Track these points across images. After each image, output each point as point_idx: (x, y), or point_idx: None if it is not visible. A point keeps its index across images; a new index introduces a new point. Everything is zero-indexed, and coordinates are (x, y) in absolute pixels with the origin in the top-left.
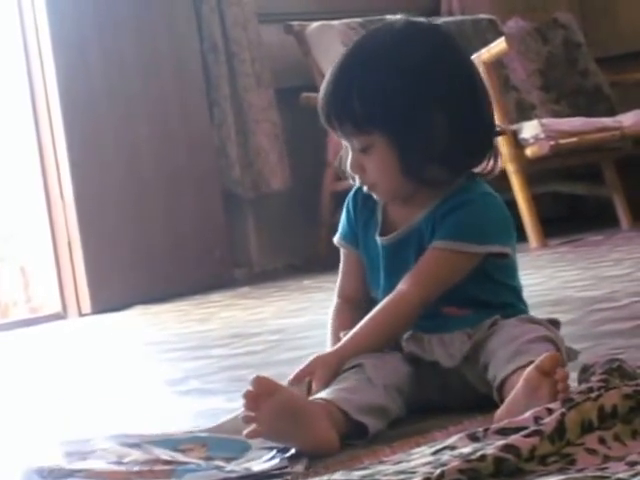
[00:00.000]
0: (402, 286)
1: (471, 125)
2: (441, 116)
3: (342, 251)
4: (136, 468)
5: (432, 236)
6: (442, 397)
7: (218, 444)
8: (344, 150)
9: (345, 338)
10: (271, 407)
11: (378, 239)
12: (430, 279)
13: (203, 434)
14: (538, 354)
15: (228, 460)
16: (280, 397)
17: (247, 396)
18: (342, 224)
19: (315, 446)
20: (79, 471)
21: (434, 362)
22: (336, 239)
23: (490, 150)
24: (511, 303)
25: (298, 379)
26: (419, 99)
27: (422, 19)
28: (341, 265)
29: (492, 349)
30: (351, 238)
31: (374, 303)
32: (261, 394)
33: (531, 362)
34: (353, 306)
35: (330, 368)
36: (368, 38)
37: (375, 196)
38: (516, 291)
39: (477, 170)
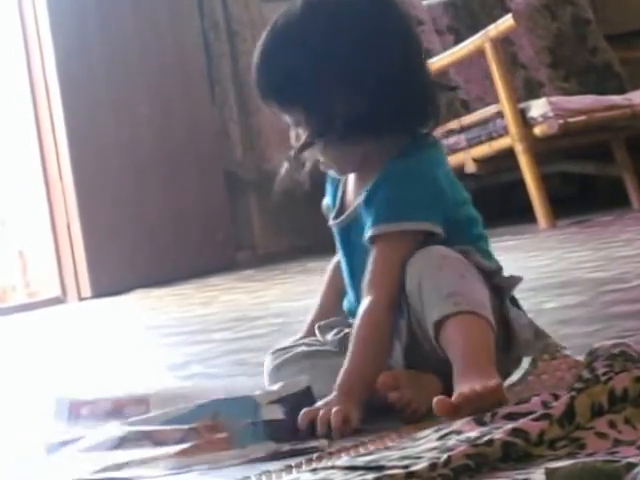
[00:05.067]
0: (366, 296)
1: (394, 91)
2: (343, 89)
3: None
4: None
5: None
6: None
7: (227, 409)
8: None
9: (344, 379)
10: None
11: (331, 222)
12: (383, 277)
13: (203, 401)
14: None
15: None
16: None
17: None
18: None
19: None
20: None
21: None
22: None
23: (428, 109)
24: None
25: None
26: (320, 74)
27: None
28: None
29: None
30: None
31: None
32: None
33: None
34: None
35: (348, 418)
36: (279, 16)
37: (329, 170)
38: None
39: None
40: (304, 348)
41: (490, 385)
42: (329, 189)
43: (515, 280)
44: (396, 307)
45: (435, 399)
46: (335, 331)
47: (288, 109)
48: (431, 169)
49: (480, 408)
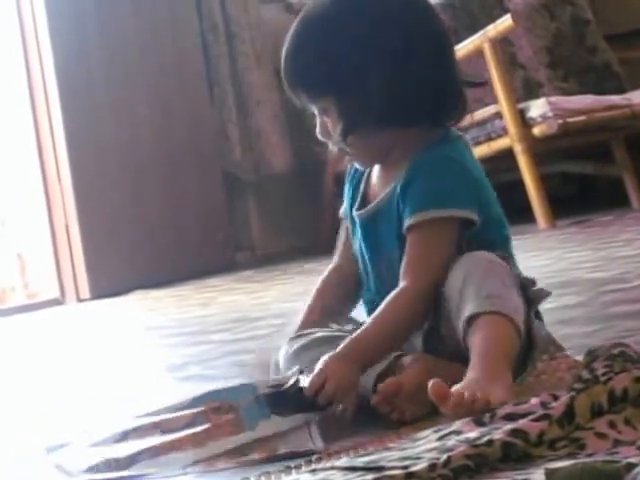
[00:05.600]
0: (401, 282)
1: (420, 83)
2: (377, 78)
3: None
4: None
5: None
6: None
7: (225, 397)
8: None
9: (354, 341)
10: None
11: (354, 213)
12: (421, 264)
13: (201, 393)
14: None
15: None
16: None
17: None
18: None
19: None
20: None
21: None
22: (340, 212)
23: (458, 102)
24: None
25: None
26: (354, 63)
27: None
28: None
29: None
30: (347, 211)
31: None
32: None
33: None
34: (341, 276)
35: (353, 385)
36: (310, 4)
37: (354, 161)
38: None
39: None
40: (323, 333)
41: (492, 404)
42: (347, 191)
43: (544, 293)
44: (429, 297)
45: (431, 382)
46: (352, 324)
47: (317, 98)
48: (464, 162)
49: (469, 415)
